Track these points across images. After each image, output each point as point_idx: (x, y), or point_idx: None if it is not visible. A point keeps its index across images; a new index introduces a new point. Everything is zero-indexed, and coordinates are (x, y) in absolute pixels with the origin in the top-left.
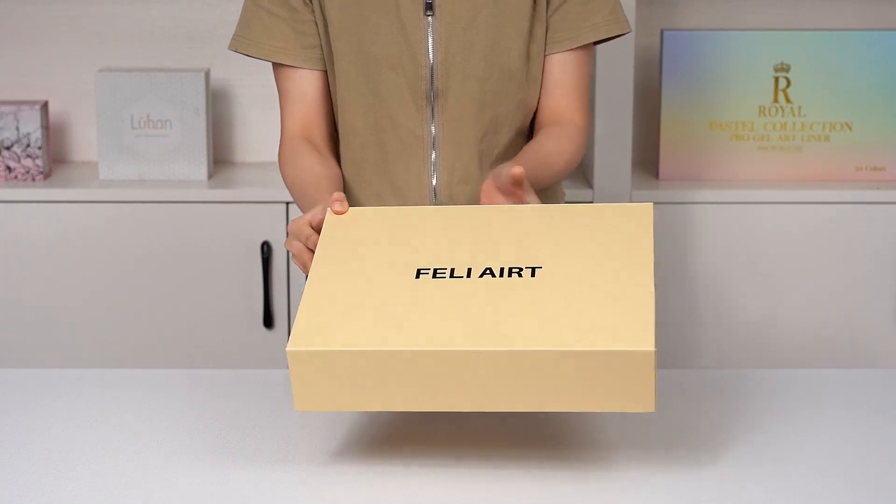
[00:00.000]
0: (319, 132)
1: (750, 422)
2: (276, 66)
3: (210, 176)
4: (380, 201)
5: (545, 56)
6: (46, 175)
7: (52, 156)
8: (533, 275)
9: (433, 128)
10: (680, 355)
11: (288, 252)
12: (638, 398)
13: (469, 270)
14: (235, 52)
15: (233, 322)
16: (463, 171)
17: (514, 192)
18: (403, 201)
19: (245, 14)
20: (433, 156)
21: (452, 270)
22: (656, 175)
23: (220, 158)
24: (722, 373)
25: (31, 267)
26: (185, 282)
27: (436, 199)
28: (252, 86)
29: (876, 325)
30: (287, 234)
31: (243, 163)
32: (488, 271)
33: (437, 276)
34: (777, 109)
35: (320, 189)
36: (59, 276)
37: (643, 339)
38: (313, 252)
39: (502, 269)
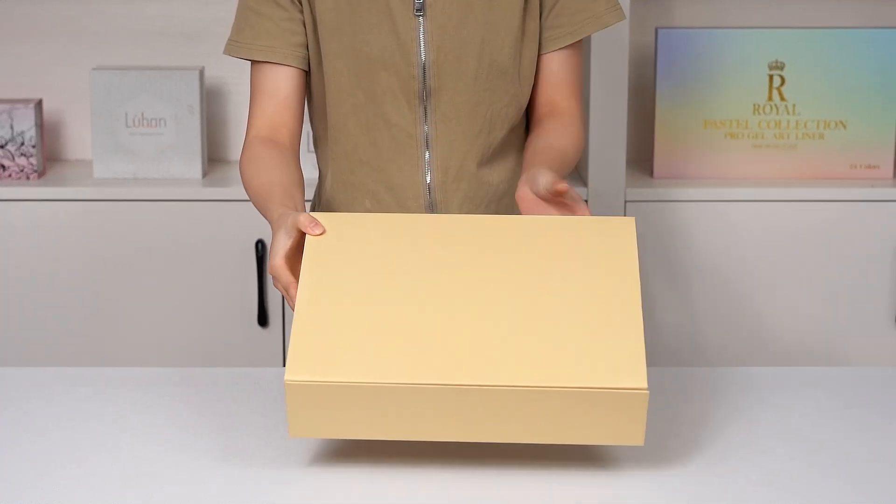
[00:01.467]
0: (287, 131)
1: (740, 419)
2: (255, 64)
3: (205, 174)
4: (374, 200)
5: (544, 53)
6: (41, 173)
7: (47, 154)
8: (522, 303)
9: (426, 127)
10: (673, 353)
11: None
12: (628, 433)
13: (458, 296)
14: (230, 56)
15: (227, 320)
16: (457, 170)
17: (560, 202)
18: (398, 201)
19: (237, 18)
20: (427, 155)
21: (443, 296)
22: (651, 173)
23: (214, 157)
24: (716, 370)
25: (26, 265)
26: (180, 280)
27: (430, 197)
28: (246, 84)
29: (870, 323)
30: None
31: (238, 161)
32: (478, 299)
33: (427, 303)
34: (771, 107)
35: (271, 199)
36: (53, 275)
37: (636, 377)
38: None
39: (492, 297)
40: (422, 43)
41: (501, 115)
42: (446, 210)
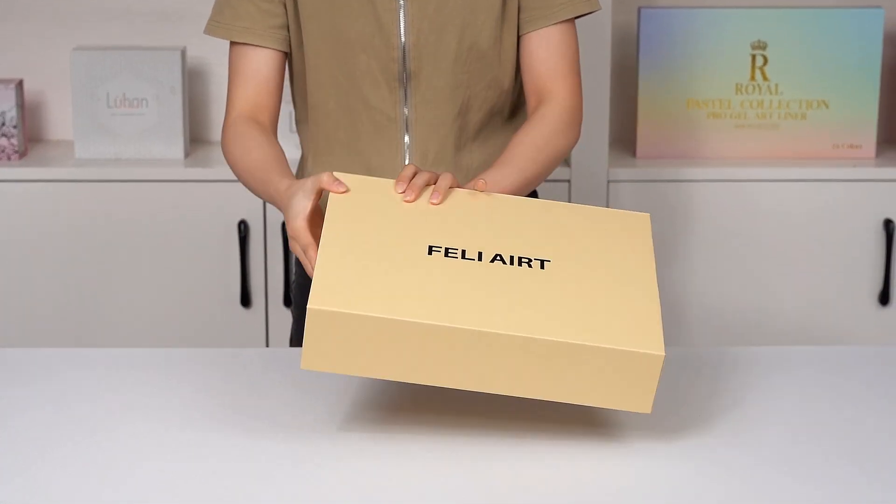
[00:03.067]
0: (267, 114)
1: (728, 397)
2: (234, 45)
3: (187, 155)
4: None
5: (522, 35)
6: (22, 154)
7: (28, 135)
8: (542, 267)
9: (406, 109)
10: None
11: (264, 231)
12: (637, 399)
13: (480, 254)
14: (210, 36)
15: (210, 301)
16: (436, 153)
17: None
18: None
19: None
20: (406, 138)
21: (464, 252)
22: (634, 153)
23: (196, 137)
24: (701, 350)
25: (6, 246)
26: (162, 261)
27: None
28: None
29: (853, 302)
30: (284, 234)
31: (220, 142)
32: (498, 257)
33: (449, 255)
34: (754, 87)
35: (271, 172)
36: (34, 256)
37: (654, 343)
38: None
39: (512, 258)
40: (402, 25)
41: (480, 98)
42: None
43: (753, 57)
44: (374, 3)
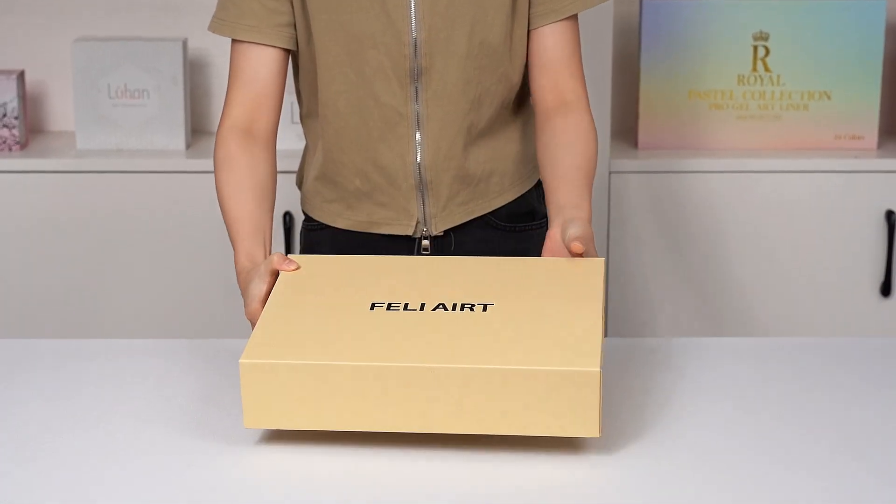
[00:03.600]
0: (264, 122)
1: (727, 388)
2: (236, 43)
3: (188, 146)
4: (364, 179)
5: (532, 30)
6: (23, 145)
7: (29, 126)
8: (484, 310)
9: (417, 106)
10: (656, 323)
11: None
12: (583, 422)
13: (422, 305)
14: (214, 34)
15: (212, 292)
16: (448, 149)
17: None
18: (388, 180)
19: None
20: (417, 135)
21: (406, 305)
22: (635, 144)
23: (197, 128)
24: (701, 340)
25: (8, 237)
26: (164, 252)
27: (420, 177)
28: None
29: (854, 294)
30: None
31: None
32: (441, 306)
33: (392, 309)
34: (756, 78)
35: (239, 230)
36: (36, 247)
37: (590, 361)
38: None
39: (455, 305)
40: (413, 21)
41: (490, 93)
42: (436, 189)
43: (755, 48)
44: None
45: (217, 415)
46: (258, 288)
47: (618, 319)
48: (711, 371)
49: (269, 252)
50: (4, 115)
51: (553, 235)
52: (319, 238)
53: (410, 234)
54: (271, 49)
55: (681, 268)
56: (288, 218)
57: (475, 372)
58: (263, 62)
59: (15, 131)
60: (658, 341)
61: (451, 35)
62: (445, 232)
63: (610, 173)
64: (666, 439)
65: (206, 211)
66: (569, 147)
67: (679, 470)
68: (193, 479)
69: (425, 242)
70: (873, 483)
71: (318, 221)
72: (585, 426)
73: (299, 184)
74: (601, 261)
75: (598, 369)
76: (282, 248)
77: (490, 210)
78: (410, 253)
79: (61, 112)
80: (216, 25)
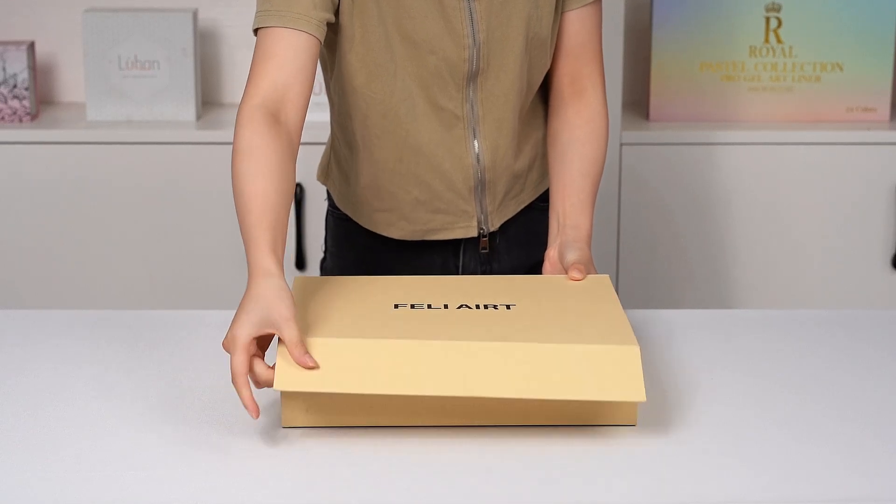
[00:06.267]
0: (293, 109)
1: (737, 360)
2: (270, 29)
3: (198, 117)
4: (424, 188)
5: (566, 12)
6: (34, 116)
7: (40, 97)
8: (508, 308)
9: (474, 107)
10: (667, 295)
11: None
12: (629, 388)
13: (446, 305)
14: (263, 27)
15: (222, 263)
16: (506, 147)
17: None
18: (447, 185)
19: None
20: (474, 135)
21: (429, 305)
22: (646, 116)
23: (208, 99)
24: (711, 312)
25: (19, 208)
26: (173, 223)
27: (480, 178)
28: (240, 26)
29: (866, 266)
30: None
31: (231, 104)
32: (464, 306)
33: (415, 308)
34: (768, 50)
35: (257, 238)
36: (46, 218)
37: (628, 339)
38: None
39: (478, 305)
40: (471, 23)
41: (533, 84)
42: (494, 188)
43: (768, 19)
44: (443, 2)
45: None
46: (260, 366)
47: (629, 291)
48: (723, 343)
49: (281, 259)
50: (15, 87)
51: (551, 257)
52: (351, 228)
53: (473, 235)
54: (313, 38)
55: (691, 239)
56: (299, 190)
57: (520, 347)
58: (304, 47)
59: (25, 102)
60: (669, 313)
61: (508, 33)
62: None
63: (621, 145)
64: (680, 410)
65: (216, 182)
66: (580, 147)
67: (688, 439)
68: (212, 447)
69: (483, 241)
70: (883, 451)
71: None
72: (631, 392)
73: (324, 178)
74: (606, 277)
75: (636, 346)
76: (293, 223)
77: (535, 197)
78: (457, 252)
79: (72, 83)
80: (263, 18)
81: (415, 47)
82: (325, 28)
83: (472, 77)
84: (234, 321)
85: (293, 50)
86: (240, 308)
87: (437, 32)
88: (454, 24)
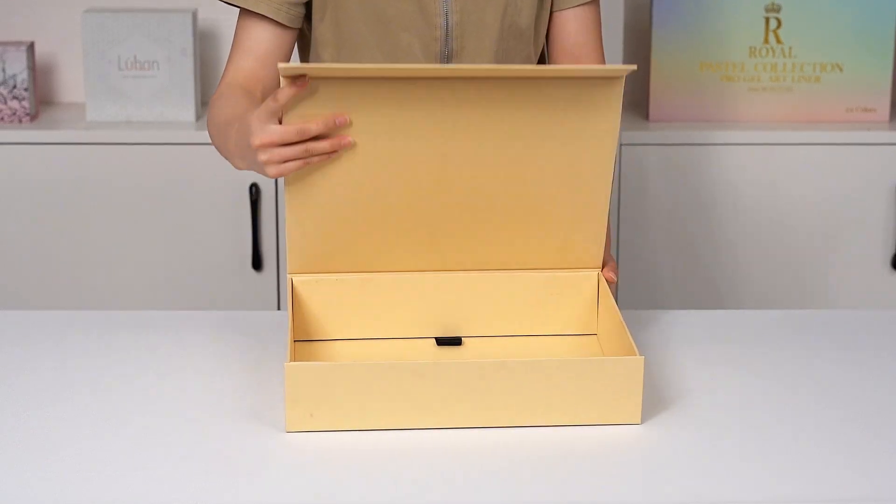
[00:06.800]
0: (261, 87)
1: (735, 361)
2: (242, 16)
3: (198, 117)
4: None
5: (555, 12)
6: (33, 117)
7: (39, 97)
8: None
9: None
10: (666, 295)
11: (276, 194)
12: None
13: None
14: (223, 2)
15: (221, 264)
16: None
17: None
18: None
19: None
20: None
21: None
22: (646, 116)
23: (207, 100)
24: (710, 313)
25: (19, 208)
26: (173, 223)
27: None
28: None
29: (865, 267)
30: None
31: None
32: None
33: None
34: (768, 50)
35: (235, 119)
36: (46, 218)
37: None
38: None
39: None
40: (445, 3)
41: None
42: None
43: (767, 20)
44: None
45: (229, 383)
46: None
47: (629, 291)
48: (723, 343)
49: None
50: (14, 87)
51: None
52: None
53: None
54: (277, 25)
55: (691, 239)
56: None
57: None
58: (265, 36)
59: (25, 103)
60: (669, 313)
61: (483, 18)
62: None
63: (621, 145)
64: (679, 410)
65: (216, 182)
66: None
67: (687, 438)
68: (209, 448)
69: None
70: (882, 453)
71: None
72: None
73: None
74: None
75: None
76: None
77: None
78: None
79: (71, 84)
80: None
81: (387, 23)
82: (298, 10)
83: (447, 59)
84: (243, 137)
85: (258, 38)
86: (237, 134)
87: (409, 10)
88: (427, 2)
